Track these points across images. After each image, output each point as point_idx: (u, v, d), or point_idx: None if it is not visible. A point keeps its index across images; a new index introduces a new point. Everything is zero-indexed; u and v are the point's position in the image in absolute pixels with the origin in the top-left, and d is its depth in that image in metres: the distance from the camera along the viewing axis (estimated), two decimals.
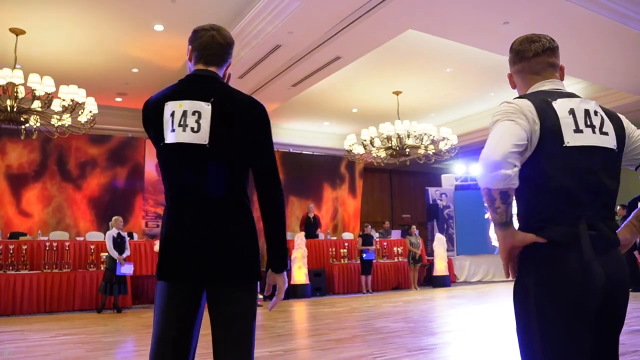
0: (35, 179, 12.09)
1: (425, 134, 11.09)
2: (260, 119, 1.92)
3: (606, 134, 1.71)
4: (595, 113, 1.73)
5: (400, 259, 13.34)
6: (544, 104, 1.69)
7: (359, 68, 10.26)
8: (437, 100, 12.98)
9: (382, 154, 11.55)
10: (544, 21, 7.45)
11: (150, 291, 10.55)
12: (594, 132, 1.68)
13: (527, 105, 1.68)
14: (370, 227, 12.86)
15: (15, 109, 7.77)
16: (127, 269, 9.35)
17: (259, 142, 1.90)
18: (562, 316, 1.58)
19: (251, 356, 1.85)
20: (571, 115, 1.68)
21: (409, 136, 10.98)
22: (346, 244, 12.99)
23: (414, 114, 13.02)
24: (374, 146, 11.34)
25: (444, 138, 11.48)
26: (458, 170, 15.72)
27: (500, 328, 6.57)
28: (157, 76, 10.71)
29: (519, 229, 1.73)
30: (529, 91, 1.83)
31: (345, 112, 13.72)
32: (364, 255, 12.06)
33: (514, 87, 1.96)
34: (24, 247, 9.53)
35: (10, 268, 9.20)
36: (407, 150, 11.21)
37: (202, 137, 1.83)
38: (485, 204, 1.66)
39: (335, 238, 13.69)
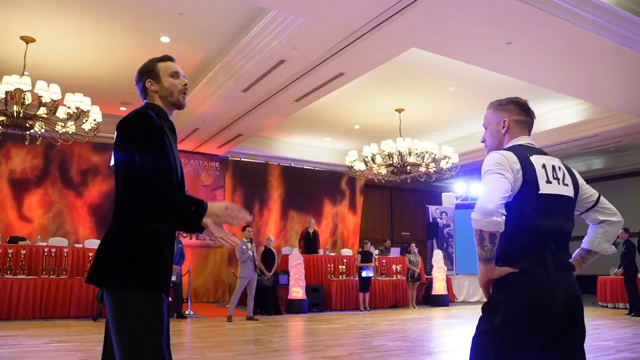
0: (37, 185, 12.14)
1: (426, 151, 11.11)
2: (120, 133, 2.05)
3: (567, 185, 2.15)
4: (559, 168, 2.16)
5: (399, 277, 13.29)
6: (525, 157, 2.11)
7: (362, 85, 10.31)
8: (439, 119, 13.02)
9: (383, 170, 11.57)
10: (546, 42, 7.50)
11: None
12: (559, 183, 2.12)
13: (513, 159, 2.09)
14: (369, 244, 12.83)
15: (21, 115, 7.83)
16: None
17: (120, 154, 2.02)
18: (529, 326, 1.95)
19: None
20: (543, 169, 2.11)
21: (410, 154, 10.99)
22: (345, 260, 12.94)
23: (415, 132, 13.05)
24: (375, 163, 11.36)
25: (445, 156, 11.49)
26: (459, 189, 15.72)
27: None
28: None
29: (496, 253, 2.05)
30: (515, 140, 2.26)
31: (347, 128, 13.76)
32: (363, 272, 12.02)
33: (506, 131, 2.30)
34: (23, 251, 9.53)
35: (8, 272, 9.20)
36: (408, 167, 11.23)
37: (112, 162, 2.11)
38: (476, 244, 2.01)
39: (334, 254, 13.64)
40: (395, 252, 14.25)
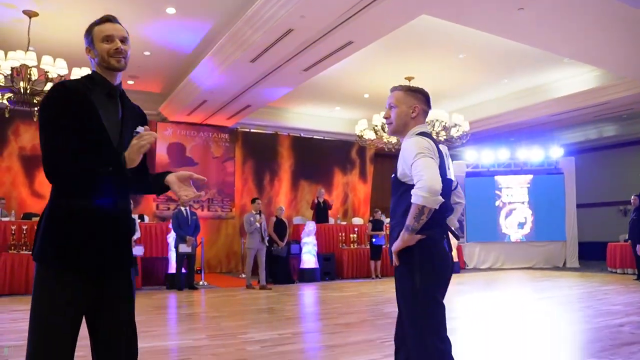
0: None
1: (437, 120, 11.03)
2: None
3: (450, 171, 2.60)
4: (448, 156, 2.59)
5: None
6: (437, 146, 2.48)
7: (371, 53, 10.20)
8: (449, 87, 12.90)
9: (393, 139, 11.52)
10: (558, 7, 7.34)
11: (160, 273, 10.66)
12: (451, 170, 2.60)
13: (434, 146, 2.44)
14: (380, 212, 12.86)
15: (28, 91, 7.82)
16: (137, 251, 9.46)
17: None
18: (439, 280, 2.45)
19: (29, 337, 1.98)
20: (446, 157, 2.53)
21: None
22: (356, 229, 13.02)
23: None
24: (385, 132, 11.30)
25: (455, 124, 11.41)
26: (469, 157, 15.64)
27: (508, 315, 6.58)
28: (168, 59, 10.72)
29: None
30: (420, 127, 2.57)
31: (357, 98, 13.67)
32: (374, 240, 12.08)
33: (415, 117, 2.57)
34: None
35: (24, 248, 9.34)
36: None
37: None
38: (412, 217, 2.33)
39: (345, 223, 13.72)
40: None
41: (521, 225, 14.91)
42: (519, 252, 14.79)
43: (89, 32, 2.18)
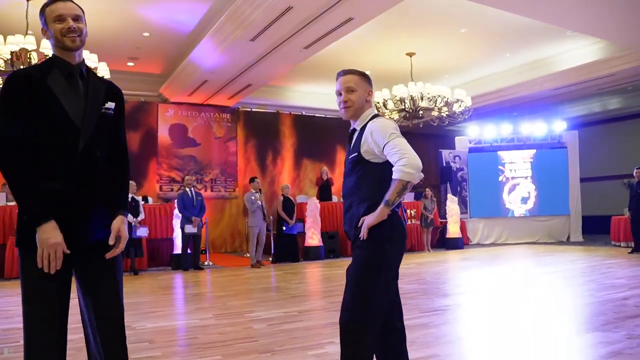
0: None
1: (439, 96, 10.96)
2: None
3: None
4: None
5: (413, 222, 13.38)
6: None
7: (372, 29, 10.10)
8: (451, 62, 12.79)
9: (395, 116, 11.46)
10: None
11: (165, 254, 10.72)
12: None
13: (397, 126, 2.55)
14: None
15: None
16: (142, 232, 9.51)
17: None
18: (401, 248, 2.56)
19: (23, 321, 2.00)
20: None
21: (422, 98, 10.86)
22: None
23: (427, 76, 12.85)
24: (387, 108, 11.24)
25: (457, 100, 11.34)
26: (472, 133, 15.58)
27: (512, 290, 6.62)
28: (168, 40, 10.64)
29: (371, 204, 2.49)
30: (373, 109, 2.69)
31: None
32: None
33: (369, 100, 2.66)
34: None
35: None
36: (421, 112, 11.12)
37: None
38: (395, 192, 2.39)
39: None
40: (409, 196, 14.29)
41: (524, 200, 14.90)
42: (523, 227, 14.81)
43: (42, 14, 2.14)
